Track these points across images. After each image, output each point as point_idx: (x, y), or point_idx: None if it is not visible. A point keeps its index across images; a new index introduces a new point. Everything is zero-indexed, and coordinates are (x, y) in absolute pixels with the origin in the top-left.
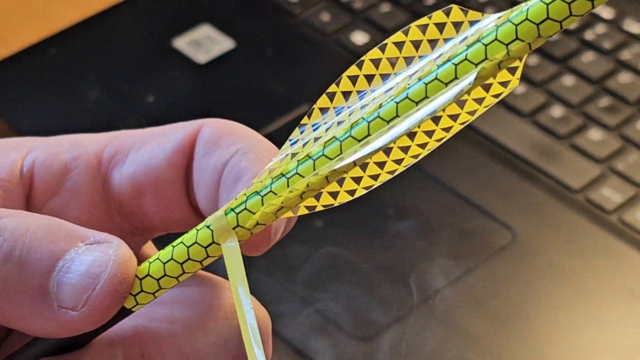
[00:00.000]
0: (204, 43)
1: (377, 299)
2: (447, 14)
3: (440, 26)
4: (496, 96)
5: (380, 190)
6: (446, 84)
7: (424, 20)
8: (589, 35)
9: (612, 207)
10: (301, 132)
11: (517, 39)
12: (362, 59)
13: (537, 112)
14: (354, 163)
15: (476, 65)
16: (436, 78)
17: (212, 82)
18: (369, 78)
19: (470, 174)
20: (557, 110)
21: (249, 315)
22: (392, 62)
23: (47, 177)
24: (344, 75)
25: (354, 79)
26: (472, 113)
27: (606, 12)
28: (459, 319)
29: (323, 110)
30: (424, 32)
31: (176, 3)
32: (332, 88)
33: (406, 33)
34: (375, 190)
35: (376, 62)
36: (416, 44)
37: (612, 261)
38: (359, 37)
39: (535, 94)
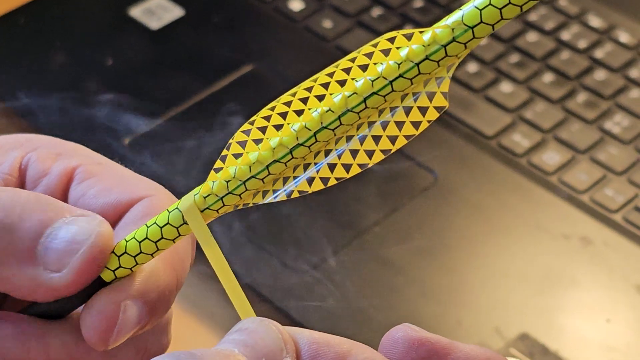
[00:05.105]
0: (156, 11)
1: (313, 235)
2: (392, 41)
3: (386, 52)
4: (430, 121)
5: None
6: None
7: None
8: None
9: (522, 151)
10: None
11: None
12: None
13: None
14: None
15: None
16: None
17: (164, 46)
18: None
19: None
20: (472, 66)
21: (230, 274)
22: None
23: (33, 174)
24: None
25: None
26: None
27: None
28: (387, 251)
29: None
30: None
31: None
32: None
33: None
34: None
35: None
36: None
37: (521, 198)
38: (295, 4)
39: None
